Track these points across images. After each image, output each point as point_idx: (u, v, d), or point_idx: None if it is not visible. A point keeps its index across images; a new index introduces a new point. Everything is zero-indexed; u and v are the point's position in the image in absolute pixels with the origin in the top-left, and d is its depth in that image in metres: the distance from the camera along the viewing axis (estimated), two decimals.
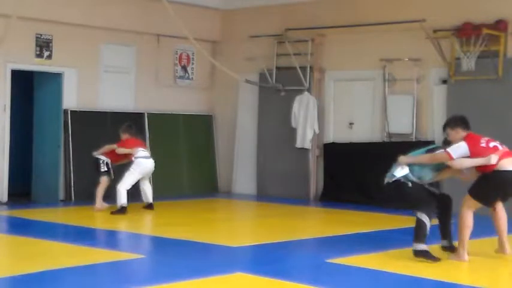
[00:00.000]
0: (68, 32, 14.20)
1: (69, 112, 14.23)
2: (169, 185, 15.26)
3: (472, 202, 8.49)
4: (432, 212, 8.52)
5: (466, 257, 8.48)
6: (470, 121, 13.15)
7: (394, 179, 8.62)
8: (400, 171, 8.60)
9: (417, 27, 13.42)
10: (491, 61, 12.96)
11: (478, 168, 8.38)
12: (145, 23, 15.16)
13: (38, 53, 13.93)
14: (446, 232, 8.92)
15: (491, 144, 8.39)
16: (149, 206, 12.94)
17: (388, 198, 9.03)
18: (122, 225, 11.41)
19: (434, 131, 13.82)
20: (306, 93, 15.07)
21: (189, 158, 15.85)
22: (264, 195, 15.43)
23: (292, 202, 14.36)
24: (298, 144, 15.09)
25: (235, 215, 13.93)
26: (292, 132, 15.16)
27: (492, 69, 12.98)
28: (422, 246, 8.40)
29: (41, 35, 13.95)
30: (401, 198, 8.81)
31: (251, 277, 7.67)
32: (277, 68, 15.47)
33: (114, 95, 14.99)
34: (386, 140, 14.30)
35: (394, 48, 14.16)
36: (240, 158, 16.17)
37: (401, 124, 14.12)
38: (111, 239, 9.92)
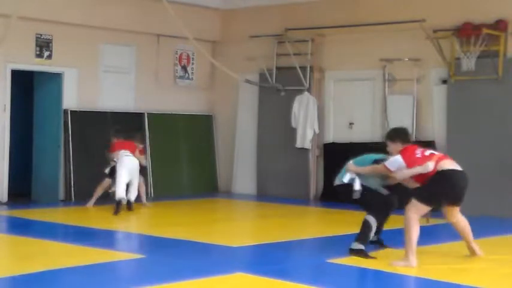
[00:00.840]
0: (68, 32, 14.20)
1: (69, 112, 14.23)
2: (169, 185, 15.27)
3: (419, 206, 8.47)
4: (383, 217, 8.96)
5: (415, 262, 8.39)
6: (470, 121, 13.27)
7: (343, 184, 9.01)
8: (350, 179, 8.98)
9: (417, 27, 13.42)
10: (491, 61, 12.96)
11: (417, 178, 8.52)
12: (145, 23, 15.16)
13: (38, 53, 13.93)
14: (379, 228, 9.18)
15: (427, 152, 8.57)
16: (128, 204, 12.68)
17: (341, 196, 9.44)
18: (122, 225, 11.41)
19: (434, 131, 13.83)
20: (306, 93, 15.08)
21: (189, 158, 15.85)
22: (264, 195, 15.42)
23: (292, 202, 14.35)
24: (298, 144, 15.09)
25: (235, 215, 13.92)
26: (292, 132, 15.16)
27: (492, 69, 12.97)
28: (360, 246, 8.76)
29: (41, 35, 13.95)
30: (353, 199, 9.07)
31: (251, 277, 7.67)
32: (277, 68, 15.47)
33: (114, 95, 14.99)
34: None
35: (394, 48, 14.16)
36: (240, 158, 16.17)
37: (401, 124, 14.03)
38: (111, 239, 9.93)
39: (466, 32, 13.08)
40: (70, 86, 14.38)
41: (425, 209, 8.51)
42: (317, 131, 15.06)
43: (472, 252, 9.02)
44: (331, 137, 15.12)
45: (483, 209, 12.83)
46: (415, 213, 8.44)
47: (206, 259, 8.68)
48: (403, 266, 8.35)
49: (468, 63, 13.12)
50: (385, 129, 14.22)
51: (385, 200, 9.09)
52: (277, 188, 15.41)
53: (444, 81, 13.77)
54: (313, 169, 15.10)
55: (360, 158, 9.17)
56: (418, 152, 8.56)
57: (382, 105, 14.37)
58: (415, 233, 8.43)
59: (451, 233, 11.33)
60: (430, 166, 8.38)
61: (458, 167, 8.57)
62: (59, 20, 13.99)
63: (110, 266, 8.08)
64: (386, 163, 8.59)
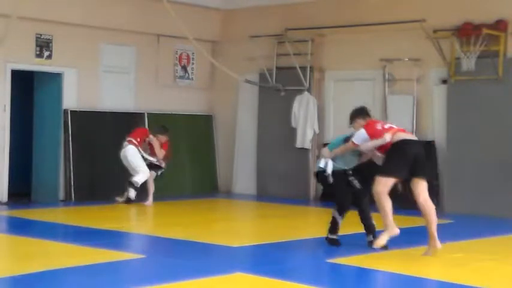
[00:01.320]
0: (68, 32, 14.20)
1: (69, 112, 14.23)
2: (169, 185, 15.25)
3: (383, 181, 8.90)
4: (344, 211, 9.55)
5: (397, 229, 8.95)
6: (470, 121, 13.27)
7: (320, 170, 9.62)
8: (324, 163, 9.55)
9: (417, 27, 13.43)
10: (491, 61, 12.96)
11: (379, 149, 9.13)
12: (145, 23, 15.16)
13: (38, 53, 13.93)
14: (370, 228, 9.51)
15: (387, 125, 9.27)
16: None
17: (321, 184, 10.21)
18: (122, 225, 11.41)
19: (434, 131, 13.83)
20: (306, 93, 15.08)
21: (189, 158, 15.85)
22: (264, 195, 15.42)
23: (292, 202, 14.35)
24: (298, 144, 15.09)
25: (235, 215, 13.92)
26: (292, 132, 15.16)
27: (492, 69, 12.98)
28: (333, 236, 9.59)
29: (41, 35, 13.95)
30: (326, 189, 9.87)
31: (251, 277, 7.67)
32: (277, 68, 15.47)
33: (114, 95, 14.99)
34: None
35: (394, 48, 14.16)
36: (240, 158, 16.17)
37: (401, 124, 14.02)
38: (111, 239, 9.92)
39: (466, 32, 13.08)
40: (70, 86, 14.37)
41: (389, 181, 8.92)
42: (317, 131, 15.06)
43: (430, 243, 8.98)
44: (331, 137, 15.10)
45: (483, 209, 12.84)
46: (383, 188, 8.89)
47: (206, 259, 8.68)
48: (387, 238, 8.92)
49: (468, 63, 13.12)
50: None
51: (345, 199, 9.53)
52: (277, 188, 15.41)
53: (444, 81, 13.77)
54: (313, 169, 15.07)
55: (332, 142, 10.05)
56: (379, 125, 9.27)
57: (382, 105, 14.37)
58: (387, 205, 8.93)
59: (450, 233, 11.35)
60: (387, 137, 9.02)
61: (411, 137, 9.24)
62: (59, 20, 13.99)
63: (110, 266, 8.07)
64: (353, 138, 9.30)
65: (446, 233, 11.50)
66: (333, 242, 9.55)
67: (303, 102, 15.04)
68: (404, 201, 13.66)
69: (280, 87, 15.37)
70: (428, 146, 13.69)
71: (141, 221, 12.31)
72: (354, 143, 9.26)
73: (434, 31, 13.45)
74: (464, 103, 13.33)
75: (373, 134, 9.11)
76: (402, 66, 14.11)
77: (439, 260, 8.81)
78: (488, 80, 13.04)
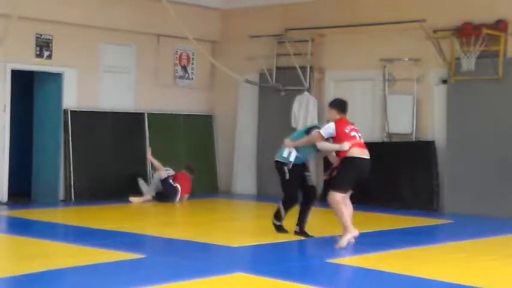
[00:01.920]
0: (68, 32, 14.20)
1: (69, 112, 14.23)
2: None
3: (339, 194, 9.39)
4: (289, 208, 10.24)
5: (355, 230, 9.38)
6: (470, 121, 13.27)
7: (279, 160, 10.16)
8: (287, 153, 10.03)
9: (417, 27, 13.43)
10: (491, 61, 12.96)
11: (336, 153, 9.55)
12: (145, 23, 15.16)
13: (38, 53, 13.93)
14: (302, 219, 10.26)
15: (352, 133, 9.51)
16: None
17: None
18: (122, 225, 11.40)
19: (434, 131, 13.82)
20: (306, 93, 15.08)
21: (189, 158, 15.83)
22: (264, 195, 15.42)
23: None
24: None
25: (235, 215, 13.93)
26: (292, 132, 15.12)
27: (492, 69, 12.98)
28: (278, 222, 10.39)
29: (41, 35, 13.95)
30: (281, 179, 10.30)
31: (251, 277, 7.67)
32: (277, 68, 15.47)
33: (114, 95, 14.99)
34: (386, 140, 14.30)
35: (394, 48, 14.16)
36: (240, 158, 16.17)
37: (401, 124, 14.12)
38: (111, 239, 9.91)
39: (466, 32, 13.07)
40: (70, 86, 14.37)
41: (343, 193, 9.43)
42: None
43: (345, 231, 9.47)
44: None
45: (483, 209, 12.83)
46: (339, 198, 9.37)
47: (206, 259, 8.68)
48: (348, 239, 9.35)
49: (468, 63, 13.12)
50: (385, 129, 14.30)
51: (306, 189, 10.23)
52: (277, 188, 15.31)
53: (444, 81, 13.77)
54: (313, 169, 15.07)
55: (294, 133, 10.58)
56: (348, 128, 9.54)
57: (382, 105, 14.37)
58: (345, 211, 9.39)
59: (450, 233, 11.36)
60: (346, 146, 9.39)
61: (365, 155, 9.49)
62: (59, 20, 13.99)
63: (110, 266, 8.07)
64: (321, 130, 9.66)
65: (446, 233, 11.52)
66: (278, 228, 10.35)
67: (303, 102, 15.04)
68: (404, 201, 13.76)
69: (280, 87, 15.38)
70: (428, 146, 13.71)
71: (141, 221, 12.31)
72: (321, 134, 9.61)
73: (434, 31, 13.45)
74: (464, 103, 13.33)
75: (338, 134, 9.46)
76: (402, 66, 14.11)
77: (439, 260, 8.82)
78: (488, 80, 13.04)
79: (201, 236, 10.19)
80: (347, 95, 14.81)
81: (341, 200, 9.36)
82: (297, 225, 10.26)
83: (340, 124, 9.52)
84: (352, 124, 9.65)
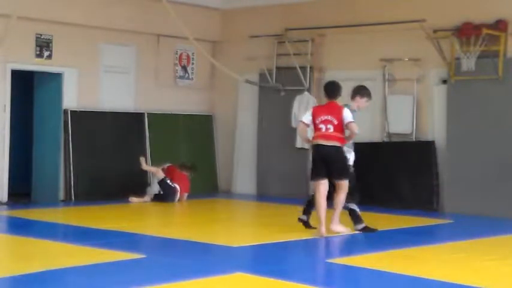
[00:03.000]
0: (68, 32, 14.20)
1: (69, 112, 14.23)
2: None
3: (314, 184, 10.10)
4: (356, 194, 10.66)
5: (323, 228, 9.91)
6: (470, 121, 13.27)
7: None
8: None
9: (417, 27, 13.42)
10: (491, 61, 12.96)
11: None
12: (145, 23, 15.16)
13: (38, 53, 13.93)
14: (309, 210, 10.60)
15: (321, 125, 10.02)
16: None
17: None
18: (122, 225, 11.40)
19: (434, 131, 13.83)
20: (306, 93, 15.08)
21: (189, 158, 15.83)
22: (264, 195, 15.43)
23: (292, 202, 14.33)
24: (298, 144, 15.08)
25: (235, 215, 13.93)
26: (292, 132, 15.15)
27: (492, 69, 12.97)
28: (363, 224, 10.53)
29: (41, 35, 13.95)
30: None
31: (251, 277, 7.67)
32: (277, 68, 15.47)
33: (114, 95, 14.99)
34: (386, 140, 14.30)
35: (394, 48, 14.16)
36: (240, 158, 16.17)
37: (401, 124, 14.11)
38: (111, 239, 9.92)
39: (466, 32, 13.07)
40: (70, 86, 14.37)
41: (317, 184, 10.01)
42: None
43: (321, 225, 10.00)
44: None
45: (483, 209, 12.83)
46: (316, 189, 10.01)
47: (206, 259, 8.68)
48: (319, 236, 9.83)
49: (468, 63, 13.11)
50: (385, 129, 14.29)
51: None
52: (277, 188, 15.41)
53: (444, 81, 13.77)
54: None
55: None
56: (323, 117, 10.03)
57: (382, 105, 14.37)
58: (322, 203, 9.96)
59: (450, 233, 11.36)
60: (308, 135, 10.34)
61: (323, 142, 9.96)
62: (59, 20, 13.99)
63: (110, 266, 8.08)
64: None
65: (446, 233, 11.53)
66: (369, 230, 10.45)
67: (303, 102, 15.03)
68: (404, 201, 13.76)
69: (280, 87, 15.38)
70: (428, 146, 13.71)
71: (141, 221, 12.31)
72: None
73: (434, 31, 13.45)
74: (464, 103, 13.33)
75: (313, 115, 10.11)
76: (402, 66, 14.11)
77: (439, 260, 8.82)
78: (488, 80, 13.04)
79: (201, 236, 10.19)
80: (347, 95, 14.94)
81: (318, 190, 9.91)
82: (304, 214, 10.63)
83: (317, 109, 10.35)
84: (345, 105, 10.29)
